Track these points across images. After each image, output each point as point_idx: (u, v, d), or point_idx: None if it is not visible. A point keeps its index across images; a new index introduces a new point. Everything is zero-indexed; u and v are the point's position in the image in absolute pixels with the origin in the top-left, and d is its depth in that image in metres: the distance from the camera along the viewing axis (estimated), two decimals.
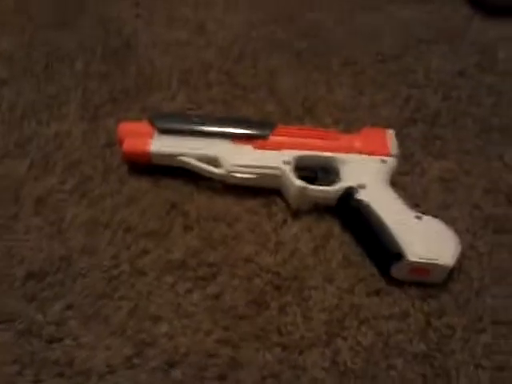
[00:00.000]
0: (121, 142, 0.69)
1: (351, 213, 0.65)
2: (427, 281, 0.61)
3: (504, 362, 0.56)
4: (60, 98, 0.79)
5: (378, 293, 0.61)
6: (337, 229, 0.66)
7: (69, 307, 0.58)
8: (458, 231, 0.63)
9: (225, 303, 0.59)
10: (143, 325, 0.57)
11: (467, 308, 0.60)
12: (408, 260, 0.59)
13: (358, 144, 0.69)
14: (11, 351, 0.55)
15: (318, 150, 0.69)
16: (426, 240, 0.60)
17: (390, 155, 0.69)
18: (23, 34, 0.88)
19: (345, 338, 0.57)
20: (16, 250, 0.62)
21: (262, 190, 0.69)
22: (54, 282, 0.59)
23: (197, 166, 0.68)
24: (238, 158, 0.68)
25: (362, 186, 0.65)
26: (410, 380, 0.55)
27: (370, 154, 0.69)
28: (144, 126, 0.70)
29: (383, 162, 0.68)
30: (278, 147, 0.69)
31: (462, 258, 0.62)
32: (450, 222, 0.64)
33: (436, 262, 0.59)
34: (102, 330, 0.56)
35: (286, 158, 0.68)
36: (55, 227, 0.64)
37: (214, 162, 0.68)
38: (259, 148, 0.69)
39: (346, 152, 0.69)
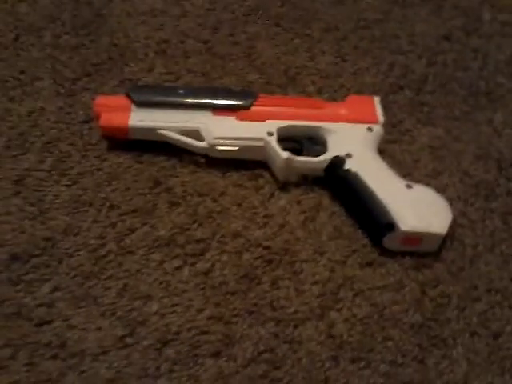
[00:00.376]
0: (98, 117, 0.67)
1: (340, 183, 0.64)
2: (420, 250, 0.60)
3: (500, 330, 0.56)
4: (32, 72, 0.75)
5: (370, 264, 0.60)
6: (326, 200, 0.65)
7: (56, 289, 0.56)
8: (449, 199, 0.63)
9: (215, 279, 0.58)
10: (133, 304, 0.56)
11: (462, 276, 0.60)
12: (400, 230, 0.58)
13: (343, 112, 0.68)
14: (2, 335, 0.53)
15: (303, 120, 0.67)
16: (417, 209, 0.60)
17: (377, 123, 0.67)
18: None
19: (339, 311, 0.57)
20: None
21: (247, 163, 0.67)
22: (39, 263, 0.57)
23: (178, 140, 0.66)
24: (221, 130, 0.66)
25: (350, 155, 0.64)
26: (407, 350, 0.54)
27: (357, 121, 0.67)
28: (121, 100, 0.68)
29: (370, 129, 0.66)
30: (261, 118, 0.67)
31: (455, 225, 0.62)
32: (440, 189, 0.64)
33: (428, 230, 0.58)
34: (93, 311, 0.55)
35: (270, 129, 0.66)
36: (36, 208, 0.62)
37: (195, 135, 0.66)
38: (242, 119, 0.67)
39: (332, 121, 0.67)
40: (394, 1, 0.90)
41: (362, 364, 0.54)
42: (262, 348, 0.54)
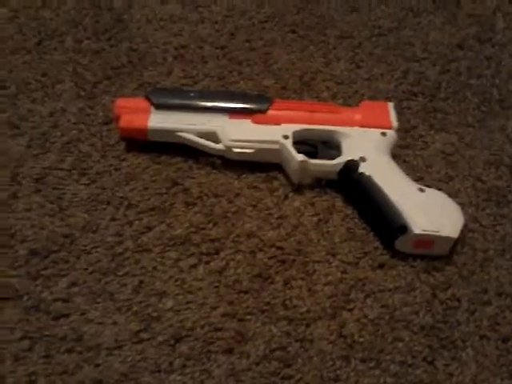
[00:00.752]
0: (117, 119, 0.68)
1: (353, 186, 0.65)
2: (431, 253, 0.61)
3: (509, 333, 0.57)
4: (54, 75, 0.77)
5: (382, 266, 0.61)
6: (339, 203, 0.66)
7: (74, 284, 0.57)
8: (460, 204, 0.64)
9: (229, 278, 0.59)
10: (149, 300, 0.57)
11: (472, 280, 0.60)
12: (413, 232, 0.59)
13: (358, 117, 0.69)
14: (20, 327, 0.54)
15: (317, 124, 0.68)
16: (429, 212, 0.60)
17: (391, 128, 0.68)
18: (11, 10, 0.87)
19: (351, 311, 0.57)
20: (17, 229, 0.61)
21: (262, 165, 0.68)
22: (57, 259, 0.59)
23: (195, 142, 0.67)
24: (237, 132, 0.67)
25: (364, 159, 0.65)
26: (417, 352, 0.55)
27: (371, 126, 0.68)
28: (141, 102, 0.69)
29: (384, 134, 0.67)
30: (276, 121, 0.68)
31: (466, 230, 0.63)
32: (452, 194, 0.65)
33: (440, 233, 0.59)
34: (109, 306, 0.56)
35: (286, 132, 0.67)
36: (56, 205, 0.63)
37: (212, 137, 0.67)
38: (258, 122, 0.68)
39: (347, 125, 0.68)
40: (408, 9, 0.91)
41: (373, 364, 0.54)
42: (274, 346, 0.55)
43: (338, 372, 0.54)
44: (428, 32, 0.88)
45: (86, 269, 0.58)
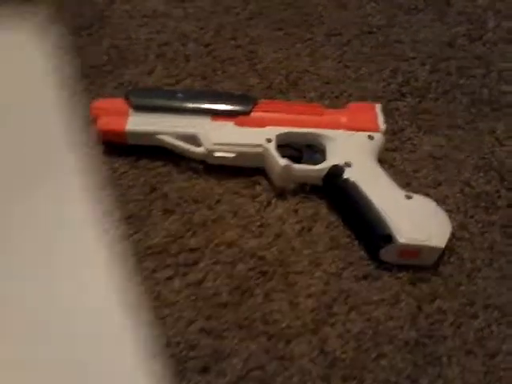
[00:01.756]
0: (95, 121, 0.66)
1: (338, 193, 0.63)
2: (418, 263, 0.59)
3: (497, 349, 0.55)
4: None
5: (366, 277, 0.59)
6: (324, 210, 0.64)
7: None
8: (448, 210, 0.62)
9: (207, 291, 0.57)
10: None
11: (459, 291, 0.58)
12: (398, 242, 0.57)
13: (344, 119, 0.67)
14: None
15: (302, 127, 0.66)
16: (416, 221, 0.58)
17: (378, 131, 0.66)
18: None
19: (333, 326, 0.55)
20: None
21: (244, 170, 0.66)
22: None
23: (176, 145, 0.65)
24: (219, 135, 0.65)
25: (349, 164, 0.63)
26: (401, 369, 0.53)
27: (357, 129, 0.66)
28: (119, 103, 0.67)
29: (370, 138, 0.65)
30: (260, 124, 0.66)
31: (453, 238, 0.61)
32: (440, 200, 0.63)
33: (427, 243, 0.57)
34: None
35: (269, 136, 0.65)
36: None
37: (193, 140, 0.65)
38: (240, 125, 0.66)
39: (332, 128, 0.66)
40: (398, 6, 0.89)
41: (354, 383, 0.52)
42: (252, 365, 0.52)
43: None
44: (418, 30, 0.86)
45: None
